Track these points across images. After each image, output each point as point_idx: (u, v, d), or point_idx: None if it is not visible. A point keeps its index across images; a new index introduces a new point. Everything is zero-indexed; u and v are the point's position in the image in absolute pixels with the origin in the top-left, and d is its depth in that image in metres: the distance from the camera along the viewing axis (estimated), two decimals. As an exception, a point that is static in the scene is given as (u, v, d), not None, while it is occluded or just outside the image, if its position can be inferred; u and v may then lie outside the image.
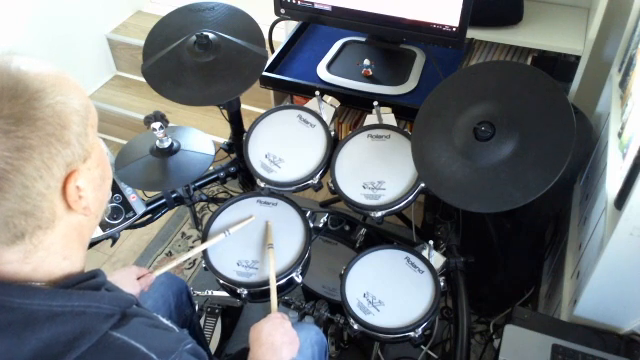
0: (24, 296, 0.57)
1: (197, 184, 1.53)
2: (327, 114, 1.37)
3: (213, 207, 2.10)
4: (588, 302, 1.12)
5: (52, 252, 0.61)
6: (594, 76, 1.55)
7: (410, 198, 1.21)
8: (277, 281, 1.19)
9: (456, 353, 1.15)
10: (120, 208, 1.27)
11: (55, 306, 0.58)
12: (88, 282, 0.63)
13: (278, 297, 1.14)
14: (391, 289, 1.18)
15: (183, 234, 2.05)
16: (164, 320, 0.70)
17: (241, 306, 1.73)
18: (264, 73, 1.54)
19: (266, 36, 1.46)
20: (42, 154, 0.54)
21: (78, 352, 0.57)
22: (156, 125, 1.27)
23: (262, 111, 1.39)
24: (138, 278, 1.10)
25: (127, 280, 1.07)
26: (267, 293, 1.15)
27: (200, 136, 1.41)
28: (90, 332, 0.58)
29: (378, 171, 1.25)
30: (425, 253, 1.23)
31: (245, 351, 0.95)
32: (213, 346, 1.59)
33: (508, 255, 1.50)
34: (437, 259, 1.25)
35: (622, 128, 1.14)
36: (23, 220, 0.56)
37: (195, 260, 1.94)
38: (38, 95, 0.55)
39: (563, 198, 1.49)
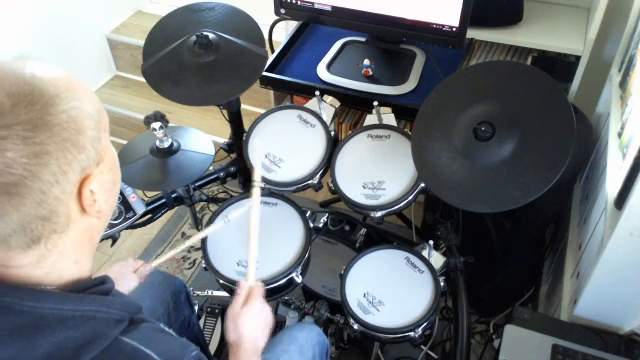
0: (35, 299, 0.57)
1: (197, 184, 1.53)
2: (327, 114, 1.37)
3: (213, 207, 2.10)
4: (588, 302, 1.12)
5: (65, 256, 0.61)
6: (594, 76, 1.55)
7: (410, 198, 1.21)
8: (276, 281, 1.18)
9: (456, 353, 1.15)
10: (120, 208, 1.27)
11: (66, 310, 0.58)
12: (98, 287, 0.63)
13: (278, 297, 1.12)
14: (391, 289, 1.18)
15: (183, 234, 2.05)
16: (165, 327, 0.71)
17: (241, 306, 1.73)
18: (264, 73, 1.54)
19: (266, 36, 1.46)
20: (59, 160, 0.55)
21: (89, 357, 0.57)
22: (156, 125, 1.27)
23: (262, 111, 1.39)
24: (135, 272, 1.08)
25: (125, 274, 1.05)
26: (268, 294, 1.12)
27: (200, 136, 1.41)
28: (100, 337, 0.59)
29: (378, 171, 1.25)
30: (425, 253, 1.23)
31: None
32: (213, 346, 1.59)
33: (508, 255, 1.50)
34: (437, 259, 1.25)
35: (622, 128, 1.14)
36: (40, 225, 0.56)
37: (195, 260, 1.93)
38: (53, 101, 0.55)
39: (563, 198, 1.49)
